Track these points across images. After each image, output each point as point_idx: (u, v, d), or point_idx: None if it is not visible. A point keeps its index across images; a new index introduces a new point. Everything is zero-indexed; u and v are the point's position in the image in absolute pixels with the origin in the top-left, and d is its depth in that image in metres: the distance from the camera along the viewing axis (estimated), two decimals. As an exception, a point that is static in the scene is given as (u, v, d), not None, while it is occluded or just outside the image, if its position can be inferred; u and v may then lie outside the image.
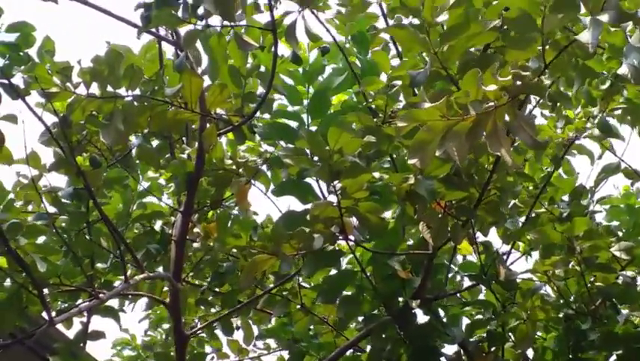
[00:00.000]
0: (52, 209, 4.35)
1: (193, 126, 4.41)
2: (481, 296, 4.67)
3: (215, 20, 3.84)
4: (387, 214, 4.31)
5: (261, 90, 4.41)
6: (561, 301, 4.30)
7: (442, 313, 4.41)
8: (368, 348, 4.43)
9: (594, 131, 4.49)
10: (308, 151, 3.81)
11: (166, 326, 6.02)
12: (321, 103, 4.46)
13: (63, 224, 4.48)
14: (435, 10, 3.27)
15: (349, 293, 4.34)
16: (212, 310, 5.27)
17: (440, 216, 3.77)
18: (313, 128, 4.37)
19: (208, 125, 4.06)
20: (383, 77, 4.22)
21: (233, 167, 4.48)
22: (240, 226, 4.44)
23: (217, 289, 5.09)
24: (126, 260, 4.36)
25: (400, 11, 4.11)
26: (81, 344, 4.75)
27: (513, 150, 4.00)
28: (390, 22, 4.56)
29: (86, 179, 3.94)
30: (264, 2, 3.78)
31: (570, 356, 4.31)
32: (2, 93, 3.72)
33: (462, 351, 4.37)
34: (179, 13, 3.69)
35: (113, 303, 5.02)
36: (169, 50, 4.51)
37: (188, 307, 5.09)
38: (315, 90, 4.47)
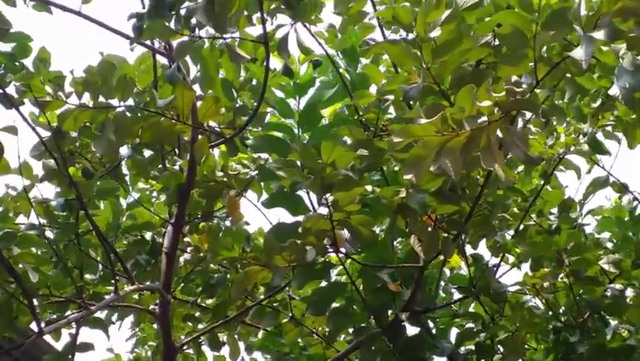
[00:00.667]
0: (41, 220, 4.34)
1: (185, 138, 4.42)
2: (472, 307, 4.68)
3: (207, 32, 3.86)
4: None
5: (253, 103, 4.42)
6: (550, 313, 4.33)
7: (431, 325, 4.43)
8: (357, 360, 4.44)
9: (583, 147, 4.53)
10: (299, 163, 3.83)
11: (152, 343, 6.01)
12: (311, 116, 4.48)
13: (51, 235, 4.47)
14: (428, 25, 3.29)
15: (339, 305, 4.35)
16: (200, 325, 5.26)
17: (431, 229, 3.78)
18: (304, 141, 4.39)
19: (200, 137, 4.07)
20: (373, 88, 4.24)
21: (225, 179, 4.49)
22: (233, 237, 4.43)
23: (204, 304, 5.09)
24: (116, 270, 4.36)
25: (391, 25, 4.16)
26: (70, 356, 4.73)
27: (505, 164, 4.03)
28: (387, 32, 4.59)
29: (78, 190, 3.93)
30: (257, 16, 3.78)
31: (559, 369, 4.34)
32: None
33: (451, 363, 4.38)
34: (172, 25, 3.69)
35: (101, 315, 5.03)
36: (163, 62, 4.51)
37: (175, 323, 5.07)
38: (305, 103, 4.49)
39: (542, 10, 3.17)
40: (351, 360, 4.65)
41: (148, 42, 4.15)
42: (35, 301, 4.24)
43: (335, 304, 4.34)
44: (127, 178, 4.75)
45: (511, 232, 4.65)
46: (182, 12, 3.74)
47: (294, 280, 4.07)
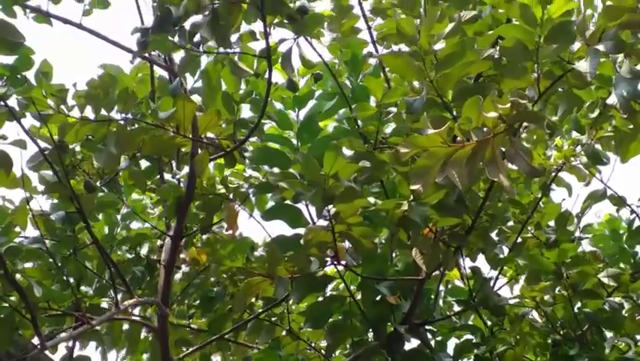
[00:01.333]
0: (38, 233, 4.32)
1: (183, 150, 4.41)
2: (471, 319, 4.69)
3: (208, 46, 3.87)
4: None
5: (252, 115, 4.42)
6: (549, 326, 4.34)
7: (430, 337, 4.43)
8: (356, 374, 4.43)
9: (582, 159, 4.55)
10: (298, 175, 3.83)
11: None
12: (310, 128, 4.49)
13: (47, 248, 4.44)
14: (431, 38, 3.32)
15: (337, 319, 4.34)
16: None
17: (432, 242, 3.79)
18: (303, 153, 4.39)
19: (200, 150, 4.07)
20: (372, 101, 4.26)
21: (223, 191, 4.49)
22: (236, 247, 4.43)
23: (196, 326, 5.07)
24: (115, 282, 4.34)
25: (392, 38, 4.18)
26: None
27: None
28: (380, 48, 4.62)
29: (80, 203, 3.92)
30: (260, 30, 3.80)
31: (558, 382, 4.34)
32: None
33: (450, 376, 4.38)
34: (176, 39, 3.70)
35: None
36: (159, 71, 4.51)
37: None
38: (305, 115, 4.50)
39: (545, 24, 3.21)
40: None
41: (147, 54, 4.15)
42: (34, 315, 4.22)
43: (333, 318, 4.34)
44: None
45: (509, 245, 4.65)
46: (187, 27, 3.75)
47: (293, 292, 4.07)
